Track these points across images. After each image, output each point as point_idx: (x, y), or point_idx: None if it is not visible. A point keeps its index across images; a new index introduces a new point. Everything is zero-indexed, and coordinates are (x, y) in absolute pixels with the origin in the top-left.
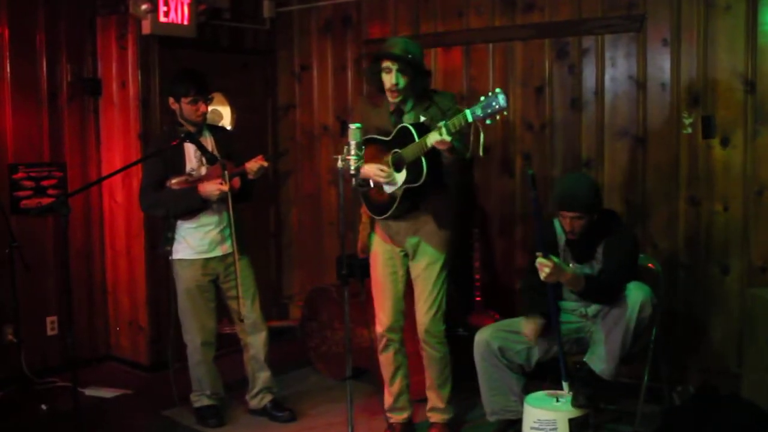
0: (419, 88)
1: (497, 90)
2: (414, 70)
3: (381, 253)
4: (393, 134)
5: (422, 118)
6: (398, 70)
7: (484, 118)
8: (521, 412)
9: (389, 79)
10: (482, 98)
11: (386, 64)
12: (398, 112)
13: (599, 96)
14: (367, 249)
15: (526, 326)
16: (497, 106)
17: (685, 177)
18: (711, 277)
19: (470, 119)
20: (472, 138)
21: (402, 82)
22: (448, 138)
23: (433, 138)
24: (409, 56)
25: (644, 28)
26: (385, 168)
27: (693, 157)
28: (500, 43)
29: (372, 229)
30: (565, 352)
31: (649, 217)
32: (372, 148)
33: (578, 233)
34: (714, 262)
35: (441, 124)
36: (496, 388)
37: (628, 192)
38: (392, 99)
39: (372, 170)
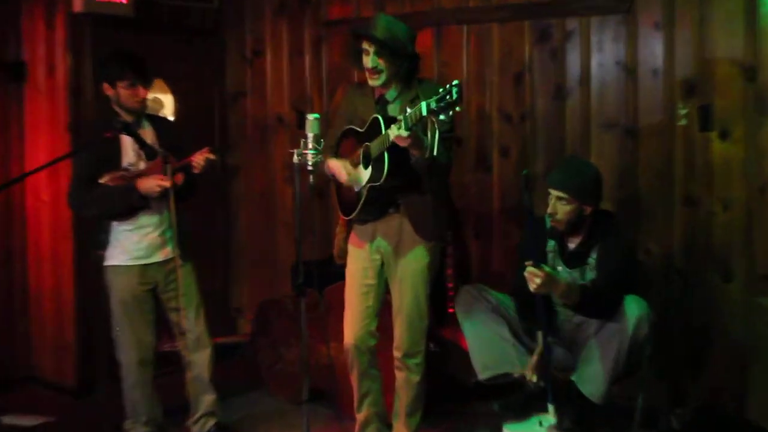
0: (403, 74)
1: (454, 82)
2: (394, 54)
3: (355, 261)
4: (366, 125)
5: (408, 110)
6: (375, 53)
7: (437, 112)
8: (518, 365)
9: (366, 62)
10: (440, 90)
11: (364, 44)
12: (382, 102)
13: (585, 84)
14: (343, 254)
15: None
16: (450, 100)
17: (681, 173)
18: (711, 285)
19: (424, 112)
20: (428, 135)
21: (380, 65)
22: (404, 133)
23: (393, 132)
24: (389, 39)
25: (634, 9)
26: (350, 169)
27: (689, 152)
28: (475, 25)
29: (347, 232)
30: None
31: (641, 218)
32: (350, 141)
33: (561, 222)
34: (714, 269)
35: (401, 116)
36: (486, 339)
37: (618, 190)
38: (371, 81)
39: (337, 168)
